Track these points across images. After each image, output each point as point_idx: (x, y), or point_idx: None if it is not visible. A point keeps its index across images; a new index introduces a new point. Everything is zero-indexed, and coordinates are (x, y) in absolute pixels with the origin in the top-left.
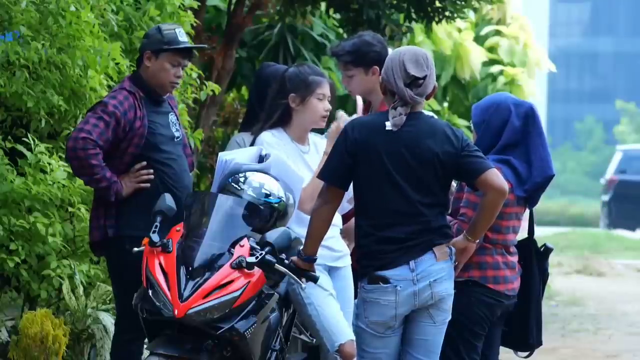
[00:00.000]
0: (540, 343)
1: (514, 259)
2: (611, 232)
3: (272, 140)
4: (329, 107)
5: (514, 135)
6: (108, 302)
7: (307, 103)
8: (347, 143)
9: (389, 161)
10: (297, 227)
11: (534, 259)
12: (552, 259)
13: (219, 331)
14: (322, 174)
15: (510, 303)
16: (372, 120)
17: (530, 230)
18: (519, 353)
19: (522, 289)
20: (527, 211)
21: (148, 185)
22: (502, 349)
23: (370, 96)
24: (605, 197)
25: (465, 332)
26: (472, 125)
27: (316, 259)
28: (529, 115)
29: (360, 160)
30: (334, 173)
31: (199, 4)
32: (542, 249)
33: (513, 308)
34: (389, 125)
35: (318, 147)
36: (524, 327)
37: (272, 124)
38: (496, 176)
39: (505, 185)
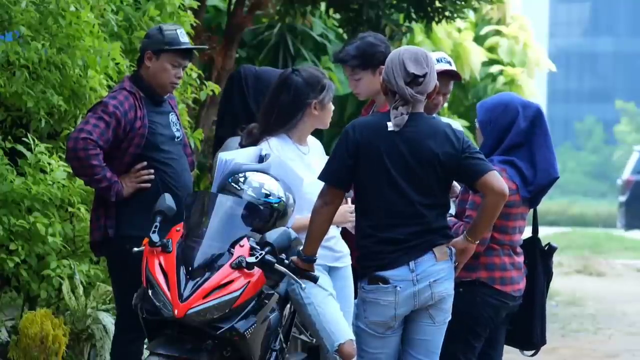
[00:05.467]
0: (544, 342)
1: (520, 259)
2: (611, 232)
3: (279, 145)
4: (332, 107)
5: (519, 136)
6: (108, 302)
7: (325, 108)
8: (348, 144)
9: (390, 162)
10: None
11: (539, 258)
12: (553, 258)
13: (219, 331)
14: (323, 175)
15: (516, 304)
16: (374, 121)
17: (535, 230)
18: (525, 352)
19: (527, 288)
20: (531, 210)
21: (149, 185)
22: (505, 349)
23: (378, 96)
24: (622, 198)
25: (466, 331)
26: (477, 123)
27: (316, 259)
28: (536, 117)
29: (361, 161)
30: (335, 174)
31: (199, 4)
32: (546, 248)
33: (517, 307)
34: (390, 125)
35: (317, 147)
36: (528, 326)
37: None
38: (496, 178)
39: (506, 188)
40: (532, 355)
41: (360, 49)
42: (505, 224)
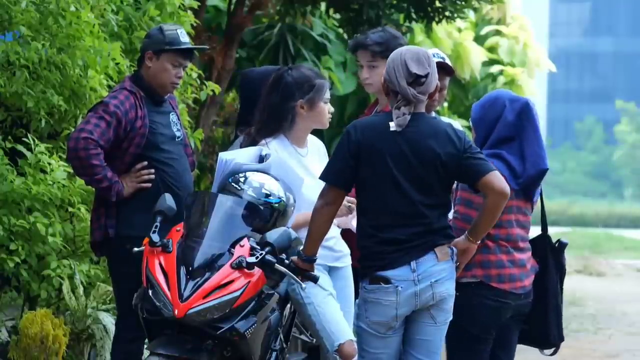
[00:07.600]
0: (561, 339)
1: (523, 256)
2: (611, 232)
3: (277, 147)
4: (332, 109)
5: (507, 129)
6: (108, 302)
7: (316, 108)
8: (349, 145)
9: (392, 162)
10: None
11: (549, 255)
12: (564, 254)
13: (219, 331)
14: (325, 176)
15: (522, 302)
16: (375, 121)
17: (544, 227)
18: (545, 351)
19: (539, 286)
20: (538, 209)
21: (149, 185)
22: (517, 349)
23: (383, 94)
24: None
25: (467, 337)
26: (471, 123)
27: (316, 259)
28: (524, 110)
29: (362, 162)
30: (336, 174)
31: (199, 4)
32: (556, 245)
33: (530, 306)
34: (392, 125)
35: (318, 148)
36: (544, 324)
37: (275, 130)
38: (497, 178)
39: (507, 188)
40: (552, 354)
41: (384, 38)
42: (499, 218)
